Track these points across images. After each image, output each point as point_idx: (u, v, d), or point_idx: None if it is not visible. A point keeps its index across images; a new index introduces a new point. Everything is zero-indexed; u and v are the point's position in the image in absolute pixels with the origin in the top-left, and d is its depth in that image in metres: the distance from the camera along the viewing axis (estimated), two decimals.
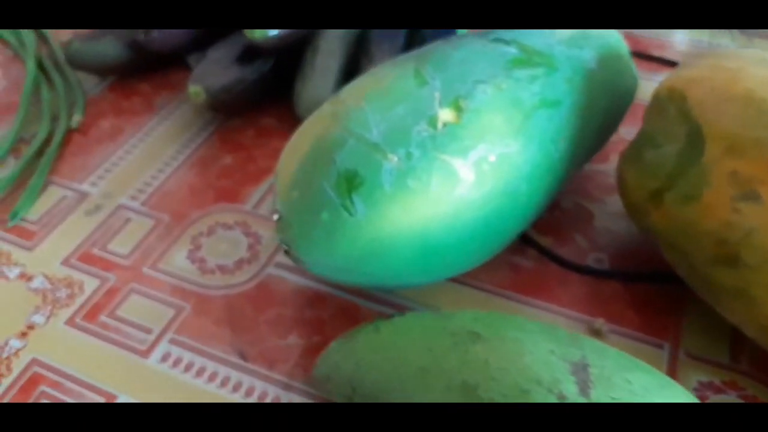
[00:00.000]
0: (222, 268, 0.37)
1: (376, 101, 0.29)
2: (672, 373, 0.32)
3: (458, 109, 0.29)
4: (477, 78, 0.30)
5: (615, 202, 0.41)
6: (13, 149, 0.44)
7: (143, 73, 0.50)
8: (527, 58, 0.32)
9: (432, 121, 0.29)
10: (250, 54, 0.43)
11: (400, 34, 0.47)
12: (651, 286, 0.36)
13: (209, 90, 0.42)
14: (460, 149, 0.29)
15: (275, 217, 0.30)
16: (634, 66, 0.38)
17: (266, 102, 0.47)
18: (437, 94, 0.30)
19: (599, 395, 0.23)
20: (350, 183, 0.28)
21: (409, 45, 0.47)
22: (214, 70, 0.42)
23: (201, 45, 0.46)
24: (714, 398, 0.31)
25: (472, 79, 0.30)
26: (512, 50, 0.32)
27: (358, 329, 0.29)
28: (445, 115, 0.29)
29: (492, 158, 0.29)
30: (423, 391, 0.25)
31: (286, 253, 0.30)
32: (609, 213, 0.40)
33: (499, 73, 0.31)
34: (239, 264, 0.37)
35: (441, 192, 0.28)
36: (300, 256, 0.29)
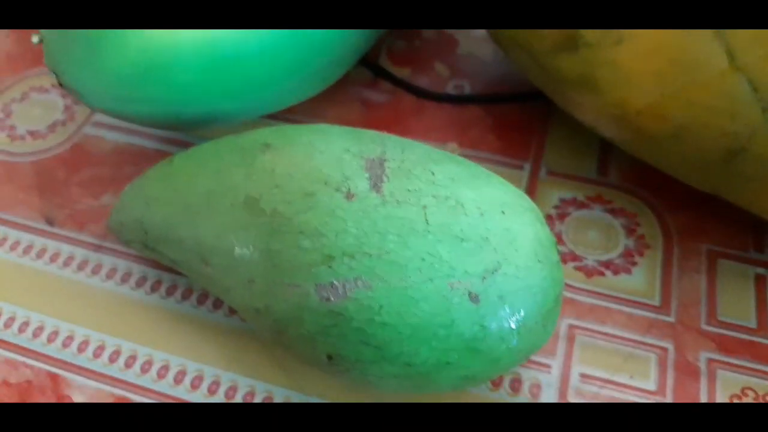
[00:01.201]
0: (33, 134, 0.32)
1: None
2: (531, 191, 0.29)
3: None
4: None
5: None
6: None
7: None
8: None
9: None
10: None
11: None
12: (512, 107, 0.32)
13: None
14: None
15: (35, 39, 0.25)
16: None
17: None
18: None
19: (393, 189, 0.19)
20: None
21: None
22: None
23: None
24: (576, 214, 0.28)
25: None
26: None
27: (153, 166, 0.25)
28: None
29: None
30: (208, 216, 0.21)
31: (60, 84, 0.25)
32: (475, 39, 0.36)
33: None
34: (53, 127, 0.32)
35: None
36: (68, 83, 0.24)
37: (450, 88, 0.33)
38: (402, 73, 0.34)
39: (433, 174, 0.19)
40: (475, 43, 0.35)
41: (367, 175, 0.19)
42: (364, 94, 0.33)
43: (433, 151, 0.21)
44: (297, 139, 0.21)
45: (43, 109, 0.33)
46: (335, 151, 0.20)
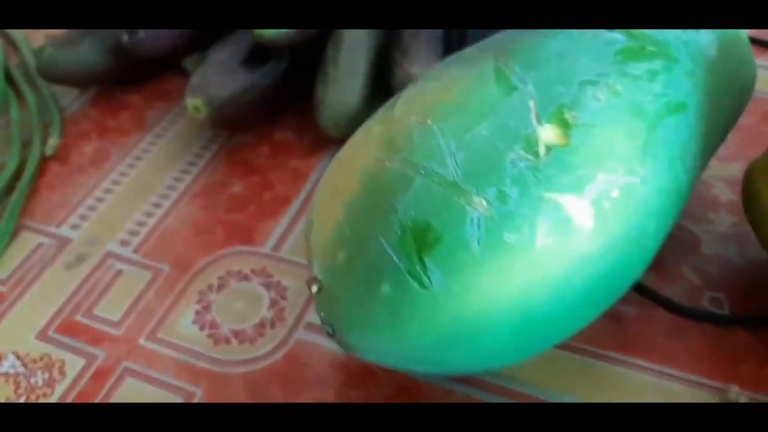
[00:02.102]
0: (239, 335, 0.28)
1: (447, 118, 0.20)
2: None
3: (564, 125, 0.20)
4: (583, 77, 0.21)
5: (723, 221, 0.32)
6: None
7: (131, 82, 0.41)
8: (640, 47, 0.23)
9: (530, 144, 0.20)
10: (259, 54, 0.34)
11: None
12: None
13: (212, 102, 0.32)
14: (573, 183, 0.20)
15: (313, 288, 0.21)
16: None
17: (281, 111, 0.38)
18: (532, 104, 0.21)
19: None
20: (421, 240, 0.19)
21: (448, 36, 0.38)
22: (217, 76, 0.33)
23: (198, 46, 0.37)
24: None
25: (577, 79, 0.21)
26: (620, 36, 0.23)
27: None
28: (548, 133, 0.20)
29: (615, 193, 0.20)
30: None
31: (330, 335, 0.21)
32: (718, 235, 0.31)
33: (609, 70, 0.22)
34: (260, 328, 0.28)
35: (550, 247, 0.19)
36: (350, 341, 0.21)
37: (706, 301, 0.29)
38: (647, 278, 0.30)
39: None
40: (719, 241, 0.31)
41: None
42: (614, 307, 0.28)
43: None
44: None
45: (245, 302, 0.29)
46: None
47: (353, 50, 0.36)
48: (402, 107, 0.22)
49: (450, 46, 0.37)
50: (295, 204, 0.34)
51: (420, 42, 0.36)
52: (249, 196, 0.34)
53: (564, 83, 0.21)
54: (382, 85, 0.38)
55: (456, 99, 0.21)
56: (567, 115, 0.20)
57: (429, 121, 0.20)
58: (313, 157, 0.36)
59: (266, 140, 0.37)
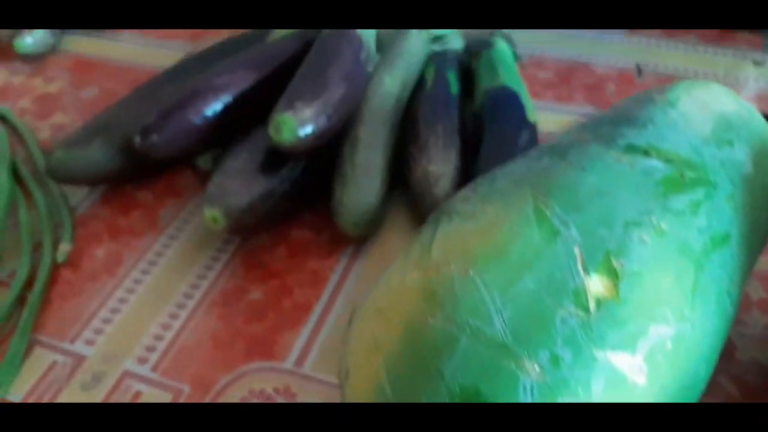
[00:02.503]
0: None
1: (490, 268, 0.20)
2: None
3: (613, 275, 0.20)
4: (626, 217, 0.21)
5: (757, 322, 0.31)
6: None
7: (142, 178, 0.40)
8: (679, 175, 0.23)
9: (579, 299, 0.19)
10: (276, 157, 0.34)
11: (453, 115, 0.37)
12: None
13: (230, 213, 0.32)
14: (625, 340, 0.19)
15: None
16: None
17: (298, 210, 0.37)
18: (578, 251, 0.20)
19: None
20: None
21: (464, 129, 0.38)
22: (235, 184, 0.32)
23: (211, 146, 0.36)
24: None
25: (621, 219, 0.21)
26: (657, 164, 0.23)
27: None
28: (596, 286, 0.19)
29: (668, 345, 0.19)
30: None
31: None
32: (753, 338, 0.30)
33: (652, 206, 0.21)
34: None
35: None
36: None
37: None
38: None
39: None
40: (756, 345, 0.30)
41: None
42: None
43: None
44: None
45: None
46: None
47: (369, 148, 0.35)
48: (439, 250, 0.21)
49: (467, 141, 0.37)
50: (316, 311, 0.33)
51: (437, 137, 0.36)
52: (268, 304, 0.33)
53: (608, 225, 0.20)
54: (400, 181, 0.37)
55: (497, 246, 0.20)
56: (615, 263, 0.20)
57: (471, 272, 0.20)
58: (332, 258, 0.35)
59: (283, 240, 0.36)
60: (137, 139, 0.34)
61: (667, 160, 0.23)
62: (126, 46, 0.52)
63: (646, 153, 0.23)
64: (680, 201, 0.22)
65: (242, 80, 0.36)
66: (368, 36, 0.37)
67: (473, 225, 0.21)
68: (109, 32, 0.53)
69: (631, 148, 0.23)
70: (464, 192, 0.24)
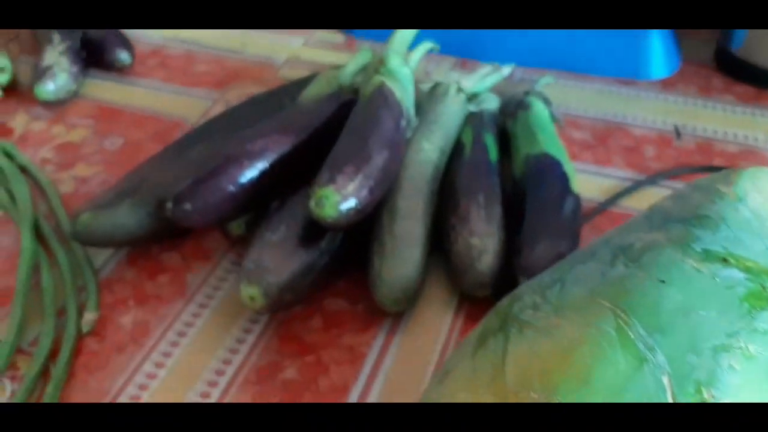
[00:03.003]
0: None
1: (574, 397, 0.18)
2: None
3: None
4: (714, 340, 0.19)
5: None
6: (10, 366, 0.33)
7: (168, 240, 0.39)
8: (761, 288, 0.21)
9: None
10: (316, 230, 0.32)
11: (494, 183, 0.36)
12: None
13: (269, 292, 0.30)
14: None
15: None
16: None
17: (333, 280, 0.36)
18: (666, 381, 0.18)
19: None
20: None
21: (506, 198, 0.36)
22: (273, 260, 0.31)
23: (245, 213, 0.35)
24: None
25: (709, 343, 0.19)
26: (737, 274, 0.21)
27: None
28: None
29: None
30: None
31: None
32: None
33: (739, 326, 0.20)
34: None
35: None
36: None
37: None
38: None
39: None
40: None
41: None
42: None
43: None
44: None
45: None
46: None
47: (409, 218, 0.34)
48: (514, 372, 0.19)
49: (507, 210, 0.36)
50: (353, 394, 0.31)
51: (479, 208, 0.34)
52: (304, 383, 0.32)
53: (695, 350, 0.19)
54: (439, 252, 0.36)
55: (579, 371, 0.19)
56: (705, 395, 0.18)
57: (554, 397, 0.18)
58: (368, 332, 0.34)
59: (317, 310, 0.35)
60: (169, 207, 0.33)
61: (747, 269, 0.22)
62: (149, 92, 0.51)
63: (725, 261, 0.22)
64: (765, 319, 0.20)
65: (277, 146, 0.34)
66: (408, 102, 0.36)
67: (550, 344, 0.20)
68: (130, 77, 0.52)
69: (709, 255, 0.22)
70: (531, 297, 0.22)
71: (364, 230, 0.35)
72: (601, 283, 0.21)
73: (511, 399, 0.19)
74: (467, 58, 0.53)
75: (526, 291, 0.23)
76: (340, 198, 0.30)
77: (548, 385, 0.19)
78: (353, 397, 0.31)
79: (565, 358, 0.19)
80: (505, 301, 0.24)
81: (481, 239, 0.33)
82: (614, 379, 0.19)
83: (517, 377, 0.19)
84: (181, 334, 0.34)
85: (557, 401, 0.18)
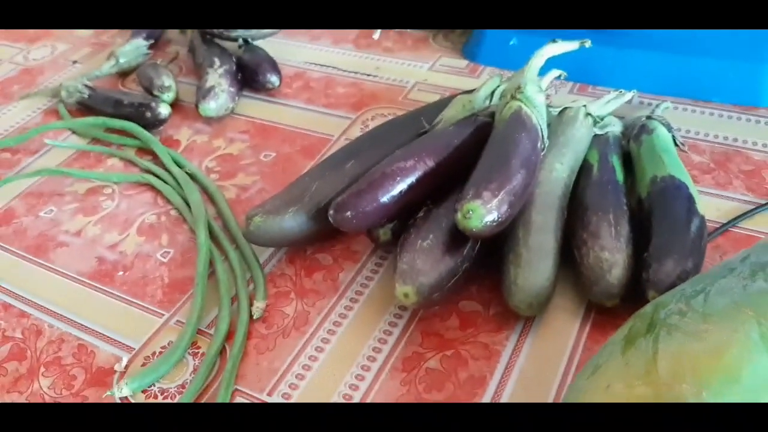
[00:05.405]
0: None
1: (724, 391, 0.21)
2: None
3: None
4: None
5: None
6: (192, 344, 0.38)
7: (321, 241, 0.43)
8: None
9: None
10: (460, 238, 0.36)
11: (622, 202, 0.38)
12: None
13: (421, 291, 0.34)
14: None
15: None
16: None
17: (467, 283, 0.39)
18: None
19: None
20: None
21: (632, 214, 0.38)
22: (425, 264, 0.34)
23: (392, 221, 0.39)
24: None
25: None
26: None
27: None
28: None
29: None
30: None
31: None
32: None
33: None
34: None
35: None
36: None
37: None
38: None
39: None
40: None
41: None
42: None
43: None
44: None
45: None
46: None
47: (542, 232, 0.37)
48: (667, 367, 0.22)
49: (636, 227, 0.37)
50: (491, 386, 0.34)
51: (610, 225, 0.37)
52: (445, 373, 0.35)
53: None
54: (567, 264, 0.38)
55: (729, 369, 0.21)
56: None
57: (704, 394, 0.21)
58: (502, 333, 0.37)
59: (454, 310, 0.38)
60: (331, 213, 0.37)
61: None
62: (295, 111, 0.56)
63: None
64: None
65: (423, 164, 0.38)
66: (543, 125, 0.39)
67: (699, 345, 0.22)
68: (279, 98, 0.58)
69: None
70: (676, 305, 0.24)
71: (495, 240, 0.38)
72: (743, 295, 0.23)
73: (664, 390, 0.21)
74: (584, 83, 0.55)
75: (670, 300, 0.25)
76: (485, 212, 0.34)
77: (700, 379, 0.21)
78: (491, 388, 0.34)
79: (714, 358, 0.21)
80: (648, 309, 0.26)
81: (612, 254, 0.35)
82: (761, 375, 0.21)
83: (668, 372, 0.22)
84: (337, 324, 0.38)
85: (706, 396, 0.21)
